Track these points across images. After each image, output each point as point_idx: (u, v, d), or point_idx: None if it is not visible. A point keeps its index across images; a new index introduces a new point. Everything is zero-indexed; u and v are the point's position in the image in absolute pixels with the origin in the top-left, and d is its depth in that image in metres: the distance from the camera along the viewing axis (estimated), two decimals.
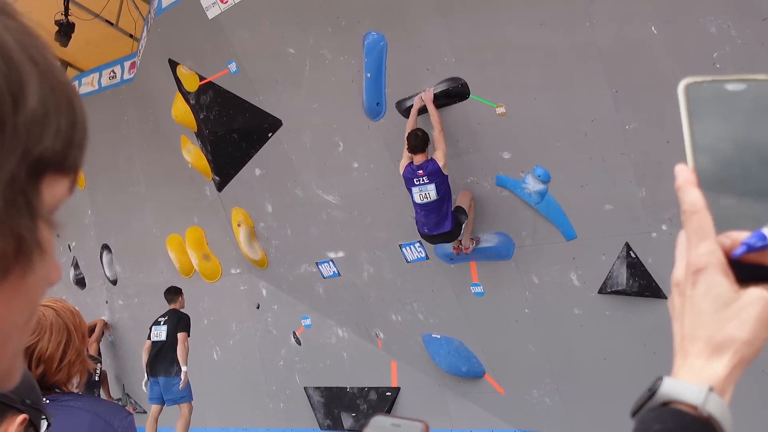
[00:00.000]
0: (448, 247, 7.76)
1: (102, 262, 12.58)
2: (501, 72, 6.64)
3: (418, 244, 8.13)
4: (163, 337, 9.56)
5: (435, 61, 7.01)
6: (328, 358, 9.88)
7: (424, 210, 7.07)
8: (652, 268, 6.55)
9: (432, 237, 7.22)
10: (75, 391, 2.15)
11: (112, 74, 10.99)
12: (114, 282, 12.62)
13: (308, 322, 9.98)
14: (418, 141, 6.94)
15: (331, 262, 9.17)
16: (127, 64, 10.77)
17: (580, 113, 6.37)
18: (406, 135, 7.02)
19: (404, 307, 8.69)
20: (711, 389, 0.74)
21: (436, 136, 6.96)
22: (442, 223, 7.03)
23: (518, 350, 7.78)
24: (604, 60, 6.03)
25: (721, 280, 0.77)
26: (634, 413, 0.78)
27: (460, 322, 8.21)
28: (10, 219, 0.50)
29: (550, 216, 7.02)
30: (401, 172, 7.15)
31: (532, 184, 6.99)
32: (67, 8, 10.10)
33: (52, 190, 0.54)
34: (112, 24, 11.61)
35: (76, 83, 11.05)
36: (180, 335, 9.50)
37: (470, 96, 6.93)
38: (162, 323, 9.68)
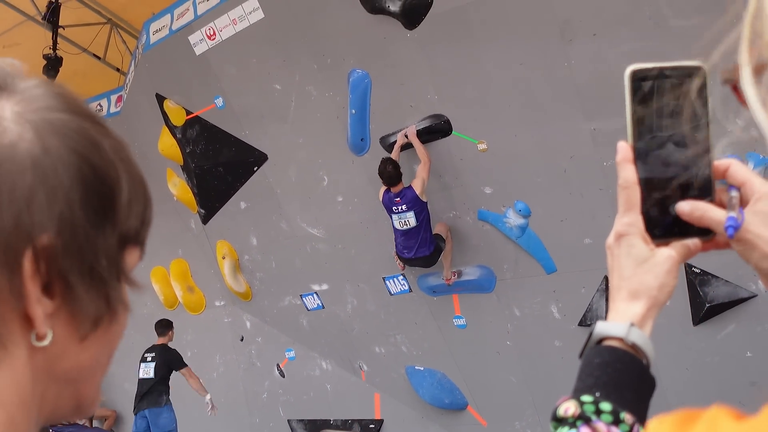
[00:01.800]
0: (432, 280, 7.90)
1: None
2: (482, 109, 6.81)
3: (401, 277, 8.24)
4: (151, 374, 9.37)
5: (418, 98, 7.18)
6: (311, 391, 9.91)
7: (404, 236, 7.27)
8: None
9: (411, 260, 7.40)
10: (80, 422, 2.24)
11: (98, 107, 11.06)
12: None
13: (292, 354, 10.02)
14: (392, 178, 7.15)
15: (315, 295, 9.24)
16: (113, 97, 10.86)
17: (560, 150, 6.54)
18: (379, 171, 7.19)
19: (387, 339, 8.77)
20: (632, 324, 0.94)
21: (421, 167, 7.13)
22: (421, 247, 7.22)
23: (500, 382, 7.86)
24: (582, 99, 6.22)
25: (639, 243, 0.96)
26: (581, 355, 0.99)
27: (443, 354, 8.29)
28: (105, 283, 0.66)
29: (531, 250, 7.16)
30: (380, 199, 7.32)
31: (513, 219, 7.13)
32: (55, 42, 10.19)
33: (131, 258, 0.70)
34: (99, 58, 11.72)
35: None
36: (185, 371, 9.31)
37: (453, 132, 7.10)
38: (149, 360, 9.51)
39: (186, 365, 9.43)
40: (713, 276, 6.26)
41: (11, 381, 0.62)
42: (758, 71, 0.58)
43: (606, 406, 0.91)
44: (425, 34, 6.78)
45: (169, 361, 9.41)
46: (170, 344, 9.73)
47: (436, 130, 7.17)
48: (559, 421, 0.92)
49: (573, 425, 0.91)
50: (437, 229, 7.42)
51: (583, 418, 0.91)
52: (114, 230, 0.67)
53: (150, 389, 9.41)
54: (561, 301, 7.16)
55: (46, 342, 0.64)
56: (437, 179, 7.33)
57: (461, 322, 7.98)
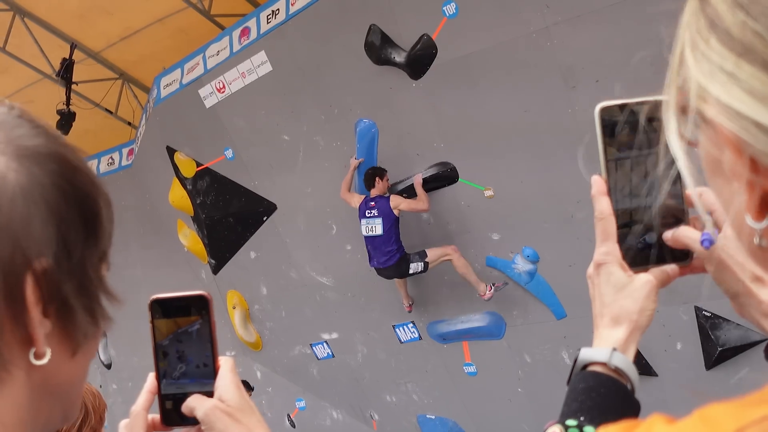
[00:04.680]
0: (441, 327, 7.89)
1: None
2: (488, 156, 6.87)
3: (411, 325, 8.23)
4: None
5: (425, 146, 7.26)
6: None
7: (370, 244, 7.33)
8: (642, 345, 6.52)
9: (378, 270, 7.45)
10: None
11: (110, 161, 11.24)
12: (108, 366, 12.57)
13: (303, 404, 9.97)
14: (371, 180, 7.31)
15: (325, 344, 9.23)
16: (125, 150, 11.03)
17: (566, 195, 6.58)
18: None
19: (398, 387, 8.72)
20: (614, 349, 0.98)
21: (415, 200, 7.18)
22: (384, 257, 7.26)
23: (512, 430, 7.77)
24: (586, 144, 6.27)
25: (618, 271, 1.00)
26: (568, 381, 1.01)
27: (454, 402, 8.23)
28: (93, 299, 0.71)
29: (540, 295, 7.16)
30: (356, 206, 7.42)
31: (522, 265, 7.14)
32: (68, 98, 10.39)
33: (105, 273, 0.75)
34: (111, 113, 11.92)
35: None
36: None
37: (459, 180, 7.17)
38: None
39: None
40: (724, 319, 6.24)
41: (12, 401, 0.65)
42: (683, 112, 0.61)
43: (590, 429, 0.93)
44: (430, 84, 6.89)
45: None
46: None
47: (443, 177, 7.24)
48: None
49: None
50: (436, 248, 7.36)
51: None
52: (98, 247, 0.71)
53: None
54: (572, 346, 7.11)
55: (44, 360, 0.66)
56: (444, 227, 7.37)
57: (472, 369, 7.94)
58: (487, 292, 7.25)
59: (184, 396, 0.93)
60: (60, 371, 0.70)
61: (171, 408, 0.93)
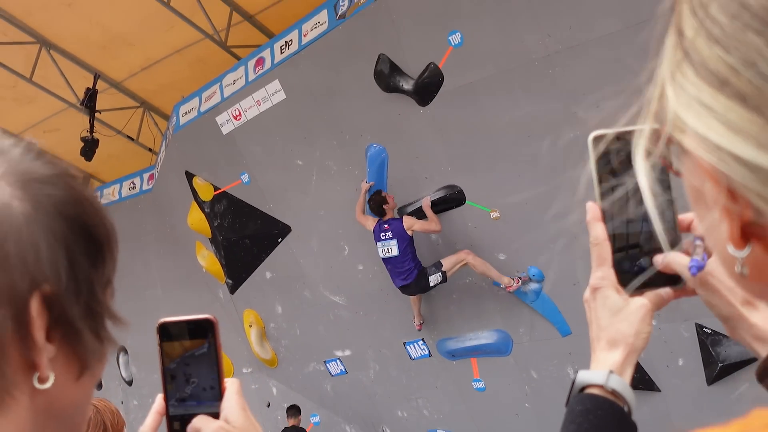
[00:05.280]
0: (450, 344, 8.04)
1: (118, 364, 12.72)
2: (494, 179, 7.03)
3: (421, 342, 8.38)
4: None
5: (433, 170, 7.44)
6: None
7: (389, 264, 7.50)
8: (645, 361, 6.67)
9: (401, 289, 7.61)
10: None
11: (132, 185, 11.49)
12: (129, 383, 12.71)
13: (317, 419, 10.09)
14: (380, 208, 7.47)
15: (338, 361, 9.38)
16: (146, 175, 11.27)
17: (570, 216, 6.71)
18: (373, 202, 7.57)
19: (410, 403, 8.85)
20: (611, 372, 0.99)
21: (426, 222, 7.36)
22: (402, 276, 7.45)
23: None
24: (586, 168, 6.42)
25: (613, 295, 1.02)
26: (566, 404, 1.02)
27: (463, 417, 8.35)
28: (99, 322, 0.71)
29: (546, 313, 7.30)
30: (371, 229, 7.57)
31: (528, 283, 7.32)
32: (92, 126, 10.60)
33: (110, 297, 0.75)
34: (132, 139, 12.18)
35: (98, 194, 11.49)
36: None
37: (466, 202, 7.34)
38: None
39: None
40: (725, 336, 6.29)
41: (15, 427, 0.65)
42: (668, 142, 0.62)
43: None
44: (437, 110, 7.07)
45: None
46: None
47: (451, 200, 7.40)
48: None
49: None
50: (451, 256, 7.46)
51: None
52: (103, 274, 0.72)
53: None
54: (577, 362, 7.18)
55: (48, 385, 0.66)
56: (452, 247, 7.53)
57: (480, 385, 8.06)
58: (514, 284, 7.26)
59: (191, 417, 0.94)
60: (64, 395, 0.69)
61: (179, 429, 0.94)
